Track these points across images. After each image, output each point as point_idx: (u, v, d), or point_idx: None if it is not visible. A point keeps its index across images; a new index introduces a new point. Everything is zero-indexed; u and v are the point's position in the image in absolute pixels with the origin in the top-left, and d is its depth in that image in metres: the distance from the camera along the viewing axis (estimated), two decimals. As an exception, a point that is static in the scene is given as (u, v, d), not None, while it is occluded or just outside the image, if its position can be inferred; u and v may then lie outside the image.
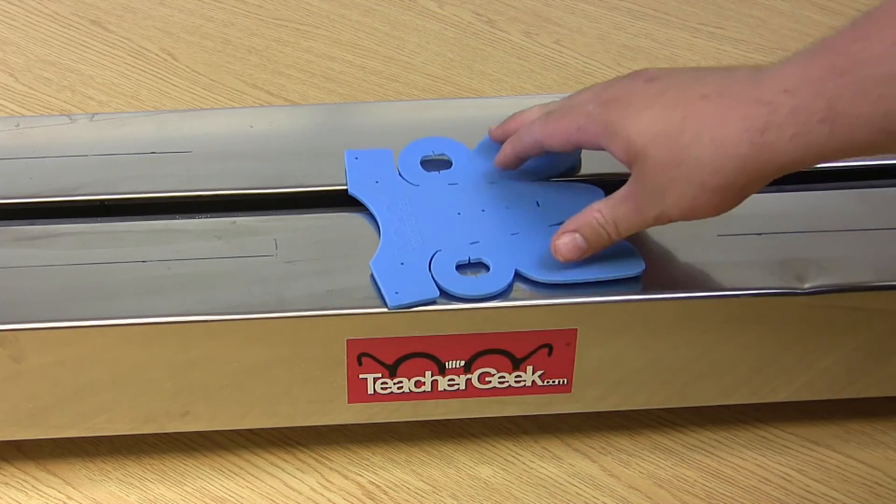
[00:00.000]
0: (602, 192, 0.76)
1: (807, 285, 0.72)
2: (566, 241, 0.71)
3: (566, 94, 0.75)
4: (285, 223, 0.77)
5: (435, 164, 0.80)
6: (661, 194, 0.66)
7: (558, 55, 1.15)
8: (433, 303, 0.71)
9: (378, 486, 0.80)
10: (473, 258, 0.73)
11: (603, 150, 0.69)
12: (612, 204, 0.70)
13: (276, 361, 0.74)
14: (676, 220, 0.68)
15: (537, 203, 0.76)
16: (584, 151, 0.78)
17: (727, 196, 0.65)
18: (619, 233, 0.70)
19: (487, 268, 0.73)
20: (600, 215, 0.70)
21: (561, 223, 0.72)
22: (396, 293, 0.71)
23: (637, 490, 0.80)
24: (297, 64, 1.13)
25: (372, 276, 0.72)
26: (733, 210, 0.78)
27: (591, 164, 0.79)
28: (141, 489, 0.79)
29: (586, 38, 1.18)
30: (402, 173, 0.79)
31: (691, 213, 0.66)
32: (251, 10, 1.20)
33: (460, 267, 0.73)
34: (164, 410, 0.76)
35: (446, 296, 0.71)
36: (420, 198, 0.77)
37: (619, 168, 0.69)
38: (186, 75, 1.11)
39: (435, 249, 0.74)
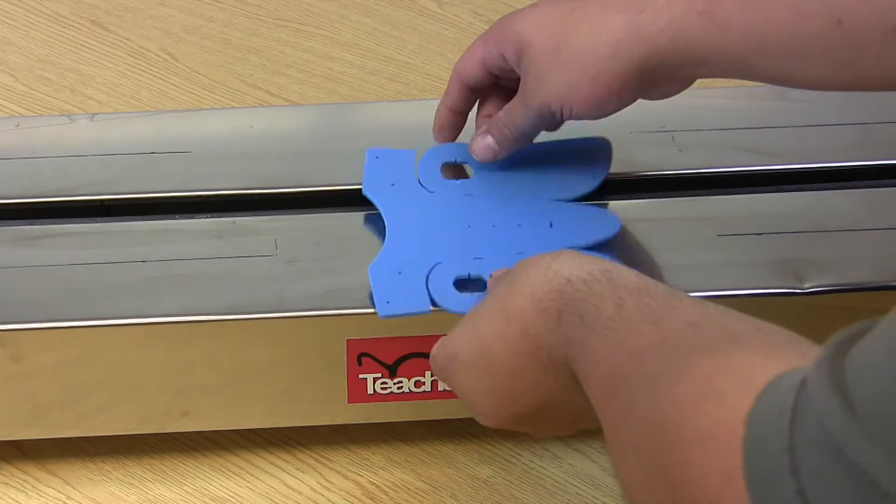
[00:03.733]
0: (618, 220, 0.75)
1: (807, 285, 0.72)
2: (479, 144, 0.75)
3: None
4: (285, 223, 0.77)
5: (458, 170, 0.79)
6: (541, 83, 0.68)
7: (558, 55, 1.15)
8: (424, 315, 0.70)
9: (378, 486, 0.80)
10: (474, 274, 0.72)
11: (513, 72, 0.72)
12: (510, 103, 0.73)
13: (276, 361, 0.74)
14: (561, 116, 0.69)
15: (550, 224, 0.75)
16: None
17: (604, 86, 0.66)
18: (517, 128, 0.73)
19: (486, 286, 0.71)
20: (502, 114, 0.74)
21: (571, 247, 0.70)
22: (388, 303, 0.70)
23: (637, 490, 0.80)
24: (297, 64, 1.13)
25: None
26: (733, 210, 0.78)
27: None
28: (141, 489, 0.79)
29: (586, 38, 1.17)
30: (420, 178, 0.78)
31: (570, 104, 0.68)
32: (251, 10, 1.20)
33: (459, 282, 0.72)
34: (164, 410, 0.76)
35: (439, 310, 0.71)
36: (433, 205, 0.76)
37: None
38: (186, 75, 1.11)
39: (436, 261, 0.73)
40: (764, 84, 0.70)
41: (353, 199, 0.79)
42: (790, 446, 0.39)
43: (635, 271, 0.56)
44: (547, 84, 0.68)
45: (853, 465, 0.37)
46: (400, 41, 1.16)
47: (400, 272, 0.72)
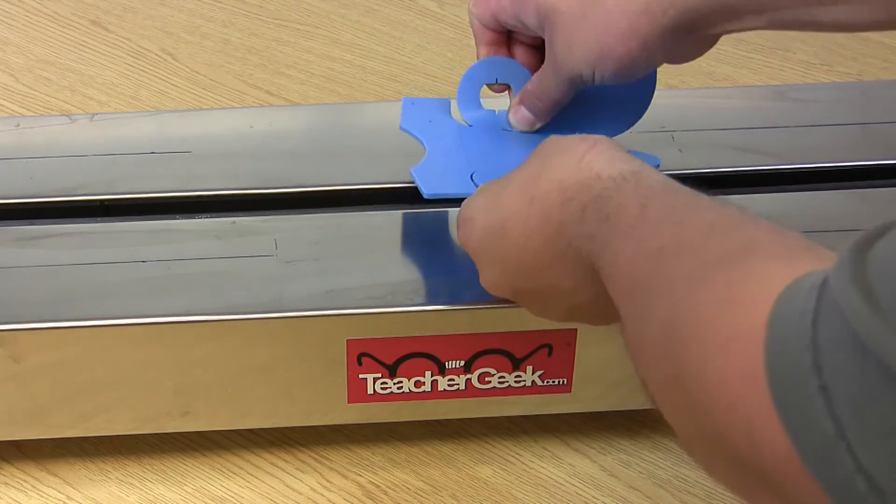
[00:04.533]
0: (658, 159, 0.76)
1: (807, 285, 0.72)
2: (517, 116, 0.75)
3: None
4: (285, 223, 0.77)
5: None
6: (571, 48, 0.68)
7: (558, 55, 1.15)
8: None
9: (378, 486, 0.80)
10: None
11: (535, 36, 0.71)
12: (539, 72, 0.73)
13: (276, 361, 0.74)
14: (592, 80, 0.69)
15: None
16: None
17: (638, 44, 0.66)
18: (551, 98, 0.73)
19: None
20: (532, 85, 0.74)
21: None
22: (432, 183, 0.72)
23: (637, 490, 0.80)
24: (297, 64, 1.13)
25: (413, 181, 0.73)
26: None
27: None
28: (141, 489, 0.79)
29: (586, 38, 1.17)
30: (459, 99, 0.78)
31: (603, 67, 0.67)
32: (251, 10, 1.20)
33: None
34: (164, 410, 0.76)
35: None
36: (470, 137, 0.77)
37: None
38: (186, 75, 1.11)
39: (477, 168, 0.74)
40: (763, 84, 0.70)
41: (353, 199, 0.79)
42: (812, 344, 0.40)
43: (663, 175, 0.57)
44: (577, 49, 0.68)
45: (877, 359, 0.37)
46: (400, 41, 1.16)
47: (444, 172, 0.73)
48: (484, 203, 0.64)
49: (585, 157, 0.58)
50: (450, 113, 0.79)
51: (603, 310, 0.58)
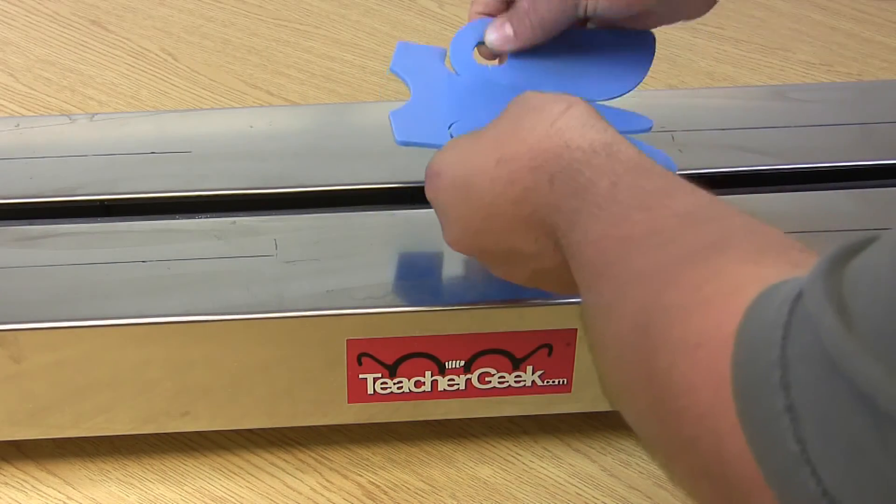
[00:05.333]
0: (650, 121, 0.73)
1: (807, 285, 0.72)
2: (495, 33, 0.71)
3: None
4: (285, 223, 0.77)
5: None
6: None
7: (558, 55, 1.15)
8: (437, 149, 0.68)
9: (378, 486, 0.80)
10: None
11: None
12: None
13: (276, 361, 0.74)
14: (586, 9, 0.67)
15: None
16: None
17: None
18: (538, 15, 0.69)
19: None
20: (525, 2, 0.70)
21: None
22: (407, 130, 0.69)
23: (637, 490, 0.80)
24: (297, 64, 1.13)
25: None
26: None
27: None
28: (141, 489, 0.79)
29: (586, 38, 1.18)
30: (451, 56, 0.74)
31: None
32: (251, 10, 1.20)
33: None
34: (164, 410, 0.76)
35: None
36: (459, 87, 0.74)
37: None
38: (186, 75, 1.11)
39: (459, 119, 0.71)
40: (763, 84, 0.70)
41: (353, 199, 0.79)
42: (781, 361, 0.38)
43: (637, 148, 0.55)
44: None
45: (847, 380, 0.36)
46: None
47: (422, 118, 0.71)
48: (453, 157, 0.62)
49: (558, 122, 0.57)
50: (443, 61, 0.76)
51: (566, 280, 0.57)
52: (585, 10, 0.67)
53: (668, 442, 0.45)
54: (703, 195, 0.51)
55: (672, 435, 0.44)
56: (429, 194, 0.64)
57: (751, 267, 0.44)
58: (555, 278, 0.60)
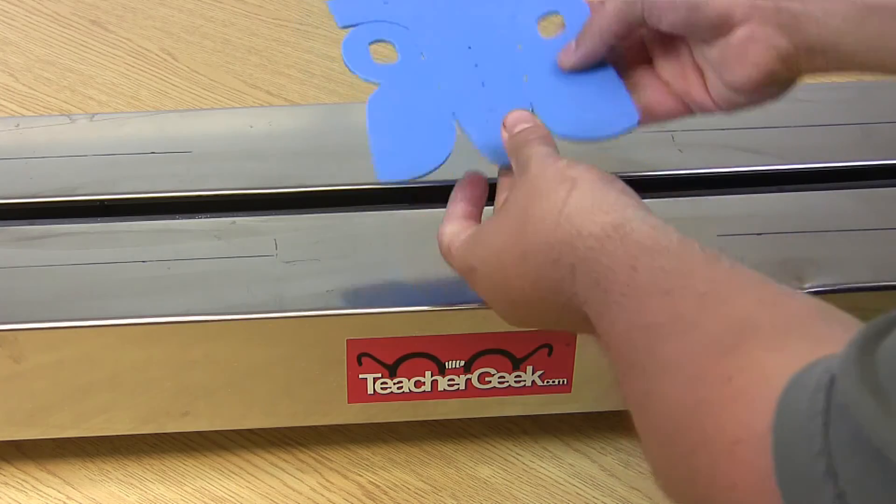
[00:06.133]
0: (636, 114, 0.67)
1: (807, 285, 0.72)
2: (565, 47, 0.68)
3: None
4: (285, 223, 0.77)
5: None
6: None
7: (558, 55, 1.15)
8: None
9: (378, 486, 0.80)
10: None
11: None
12: None
13: (276, 361, 0.73)
14: (643, 14, 0.63)
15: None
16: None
17: None
18: (598, 22, 0.66)
19: None
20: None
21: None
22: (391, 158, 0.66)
23: (637, 490, 0.80)
24: (297, 64, 1.13)
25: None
26: (733, 210, 0.78)
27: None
28: (141, 489, 0.79)
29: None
30: (347, 63, 0.70)
31: None
32: (251, 10, 1.20)
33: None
34: (164, 410, 0.76)
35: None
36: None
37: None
38: (186, 75, 1.11)
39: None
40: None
41: (353, 199, 0.79)
42: (825, 450, 0.38)
43: (650, 220, 0.54)
44: None
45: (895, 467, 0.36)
46: (400, 41, 1.16)
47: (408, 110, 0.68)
48: (480, 252, 0.61)
49: (565, 210, 0.56)
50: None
51: None
52: (643, 9, 0.63)
53: None
54: (720, 268, 0.50)
55: None
56: (468, 282, 0.64)
57: (776, 354, 0.44)
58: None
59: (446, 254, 0.65)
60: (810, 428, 0.39)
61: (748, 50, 0.61)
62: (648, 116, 0.67)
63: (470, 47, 0.70)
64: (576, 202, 0.56)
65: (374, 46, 0.70)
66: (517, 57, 0.69)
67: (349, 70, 0.69)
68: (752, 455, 0.41)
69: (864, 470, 0.37)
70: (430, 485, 0.80)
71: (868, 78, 1.14)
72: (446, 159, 0.65)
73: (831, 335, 0.41)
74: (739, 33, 0.61)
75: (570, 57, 0.68)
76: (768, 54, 0.61)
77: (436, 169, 0.66)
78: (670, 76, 0.66)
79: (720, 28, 0.61)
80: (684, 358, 0.47)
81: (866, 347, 0.38)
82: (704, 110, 0.66)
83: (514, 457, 0.82)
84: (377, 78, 0.69)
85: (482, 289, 0.63)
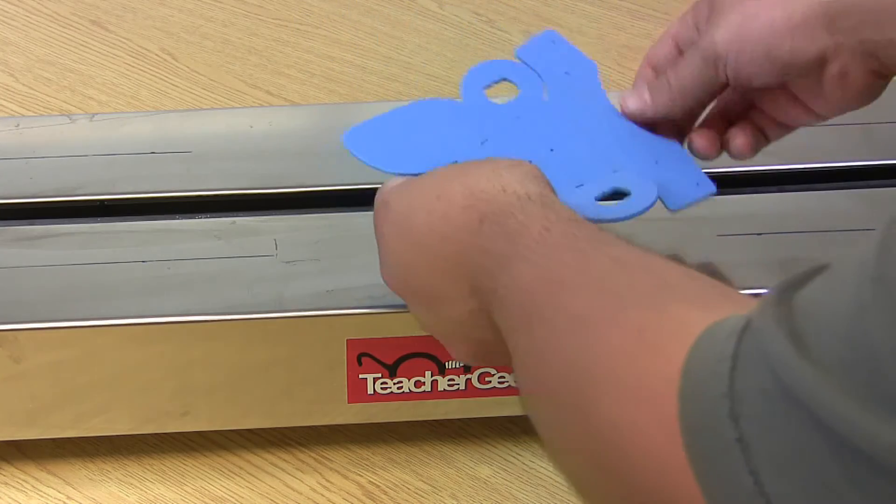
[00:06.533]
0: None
1: (807, 285, 0.72)
2: (631, 94, 0.67)
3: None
4: (285, 223, 0.77)
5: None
6: (717, 22, 0.62)
7: (558, 55, 1.15)
8: None
9: (378, 486, 0.80)
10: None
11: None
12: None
13: (276, 361, 0.73)
14: (726, 68, 0.62)
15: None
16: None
17: (783, 17, 0.60)
18: (678, 76, 0.65)
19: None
20: (669, 67, 0.66)
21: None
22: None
23: (637, 490, 0.80)
24: (297, 64, 1.13)
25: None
26: (733, 210, 0.78)
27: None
28: (141, 489, 0.79)
29: (586, 38, 1.18)
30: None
31: (739, 44, 0.61)
32: (251, 10, 1.20)
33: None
34: (164, 410, 0.76)
35: None
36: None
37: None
38: (186, 75, 1.11)
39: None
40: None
41: (353, 199, 0.79)
42: (731, 392, 0.37)
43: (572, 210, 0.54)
44: (721, 22, 0.61)
45: (807, 410, 0.35)
46: (400, 41, 1.16)
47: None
48: (403, 189, 0.61)
49: (502, 171, 0.56)
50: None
51: (477, 337, 0.57)
52: (725, 71, 0.62)
53: (605, 485, 0.44)
54: (640, 248, 0.50)
55: (615, 480, 0.43)
56: (375, 223, 0.63)
57: (696, 307, 0.43)
58: (470, 335, 0.58)
59: (377, 197, 0.63)
60: (718, 370, 0.38)
61: (845, 80, 0.62)
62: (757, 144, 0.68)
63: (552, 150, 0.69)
64: (515, 170, 0.56)
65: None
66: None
67: None
68: (658, 399, 0.40)
69: (771, 414, 0.36)
70: (430, 485, 0.80)
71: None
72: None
73: (752, 304, 0.40)
74: (832, 69, 0.62)
75: (642, 106, 0.67)
76: (864, 77, 0.62)
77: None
78: (765, 107, 0.67)
79: (812, 71, 0.62)
80: (596, 311, 0.46)
81: (783, 297, 0.38)
82: (808, 125, 0.68)
83: (514, 457, 0.82)
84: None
85: (384, 224, 0.61)
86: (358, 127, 0.69)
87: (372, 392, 0.75)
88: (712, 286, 0.46)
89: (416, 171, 0.63)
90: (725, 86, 0.64)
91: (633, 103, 0.67)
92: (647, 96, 0.66)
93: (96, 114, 0.86)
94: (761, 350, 0.37)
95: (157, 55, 1.14)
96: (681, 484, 0.39)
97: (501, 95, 0.70)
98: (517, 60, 0.71)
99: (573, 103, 0.69)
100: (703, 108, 0.68)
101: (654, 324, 0.43)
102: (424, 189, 0.59)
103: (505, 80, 0.71)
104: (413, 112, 0.70)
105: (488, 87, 0.71)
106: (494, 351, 0.55)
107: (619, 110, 0.68)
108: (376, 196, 0.63)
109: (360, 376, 0.74)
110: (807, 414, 0.35)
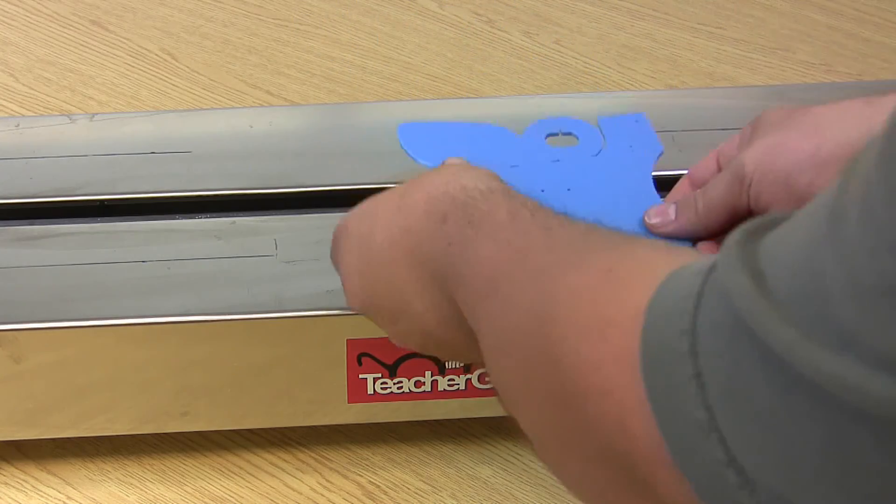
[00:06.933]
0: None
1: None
2: (657, 207, 0.69)
3: (565, 94, 0.75)
4: (285, 223, 0.77)
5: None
6: (751, 143, 0.64)
7: (558, 55, 1.15)
8: None
9: (378, 486, 0.80)
10: None
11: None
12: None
13: (276, 361, 0.73)
14: (750, 187, 0.63)
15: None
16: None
17: (812, 144, 0.62)
18: (706, 192, 0.67)
19: None
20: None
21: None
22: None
23: (637, 490, 0.80)
24: (297, 64, 1.13)
25: None
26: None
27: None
28: (141, 489, 0.79)
29: (586, 37, 1.18)
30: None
31: (767, 165, 0.63)
32: (251, 10, 1.20)
33: None
34: (164, 410, 0.76)
35: None
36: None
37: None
38: (186, 75, 1.11)
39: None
40: (763, 84, 0.69)
41: (353, 199, 0.79)
42: (691, 329, 0.38)
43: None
44: (756, 143, 0.63)
45: (759, 343, 0.35)
46: (400, 41, 1.16)
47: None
48: (359, 211, 0.62)
49: (460, 173, 0.57)
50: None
51: (453, 345, 0.57)
52: (748, 192, 0.64)
53: (566, 429, 0.44)
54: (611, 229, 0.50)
55: (573, 419, 0.43)
56: (334, 252, 0.64)
57: (663, 254, 0.44)
58: (446, 342, 0.58)
59: (336, 230, 0.64)
60: (681, 307, 0.38)
61: None
62: None
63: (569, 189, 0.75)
64: (472, 172, 0.57)
65: None
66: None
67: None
68: (621, 335, 0.40)
69: (727, 348, 0.37)
70: (430, 485, 0.80)
71: (868, 78, 1.15)
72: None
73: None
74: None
75: (664, 220, 0.68)
76: None
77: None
78: None
79: None
80: (561, 261, 0.47)
81: (748, 239, 0.38)
82: None
83: (514, 457, 0.82)
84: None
85: (345, 250, 0.62)
86: (415, 124, 0.78)
87: (372, 392, 0.75)
88: (681, 246, 0.47)
89: None
90: (749, 212, 0.64)
91: (656, 216, 0.69)
92: (671, 211, 0.68)
93: (96, 114, 0.86)
94: (722, 286, 0.37)
95: (157, 55, 1.14)
96: (636, 417, 0.39)
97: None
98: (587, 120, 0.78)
99: (617, 170, 0.75)
100: (724, 234, 0.69)
101: (621, 264, 0.44)
102: (383, 204, 0.60)
103: (571, 134, 0.78)
104: (470, 128, 0.77)
105: (552, 135, 0.78)
106: (471, 355, 0.55)
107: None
108: (335, 231, 0.64)
109: (360, 376, 0.74)
110: (756, 344, 0.35)
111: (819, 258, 0.34)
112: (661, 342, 0.39)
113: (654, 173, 0.78)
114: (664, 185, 0.80)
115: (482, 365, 0.52)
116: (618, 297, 0.42)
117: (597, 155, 0.76)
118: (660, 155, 0.77)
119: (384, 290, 0.59)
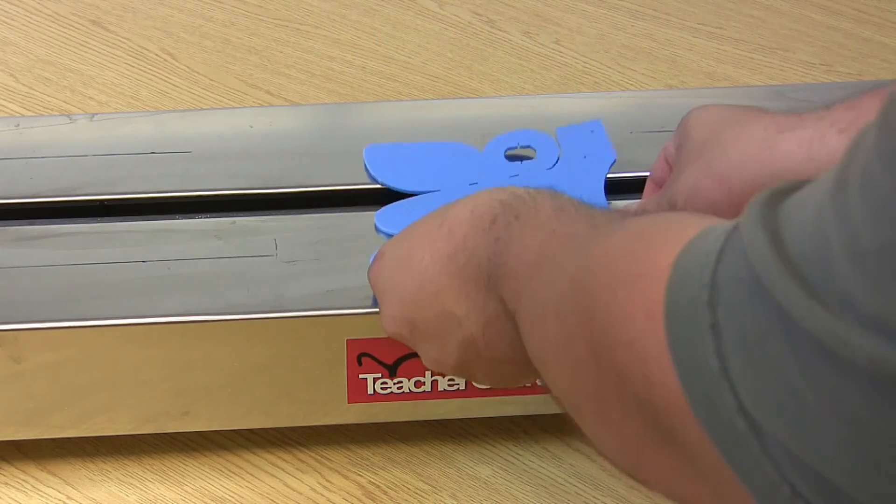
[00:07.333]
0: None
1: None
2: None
3: (565, 94, 0.75)
4: (285, 223, 0.77)
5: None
6: (678, 176, 0.67)
7: (558, 55, 1.15)
8: None
9: (378, 486, 0.80)
10: None
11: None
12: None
13: (276, 361, 0.73)
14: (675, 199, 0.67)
15: None
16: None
17: (722, 191, 0.65)
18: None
19: None
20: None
21: None
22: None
23: (637, 490, 0.80)
24: (297, 64, 1.13)
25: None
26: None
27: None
28: (141, 489, 0.79)
29: (586, 38, 1.18)
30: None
31: (692, 205, 0.66)
32: (251, 10, 1.20)
33: None
34: (164, 410, 0.76)
35: None
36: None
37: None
38: (186, 75, 1.11)
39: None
40: (763, 84, 0.69)
41: (353, 199, 0.79)
42: (712, 282, 0.40)
43: None
44: (682, 177, 0.67)
45: (771, 299, 0.37)
46: (400, 41, 1.16)
47: None
48: (397, 238, 0.64)
49: (497, 189, 0.59)
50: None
51: (493, 356, 0.58)
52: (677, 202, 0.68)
53: (599, 384, 0.46)
54: None
55: (604, 375, 0.45)
56: (371, 277, 0.66)
57: (694, 217, 0.46)
58: (483, 354, 0.59)
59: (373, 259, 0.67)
60: (705, 262, 0.40)
61: None
62: None
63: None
64: (508, 187, 0.59)
65: None
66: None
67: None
68: (649, 287, 0.42)
69: (742, 302, 0.39)
70: (430, 485, 0.80)
71: (868, 78, 1.15)
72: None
73: None
74: None
75: None
76: None
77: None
78: None
79: None
80: (602, 233, 0.49)
81: (771, 202, 0.40)
82: None
83: (514, 457, 0.82)
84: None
85: (382, 274, 0.64)
86: (381, 145, 0.80)
87: (372, 392, 0.75)
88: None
89: (406, 189, 0.77)
90: None
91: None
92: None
93: (96, 114, 0.86)
94: (742, 244, 0.39)
95: (157, 55, 1.14)
96: (658, 368, 0.41)
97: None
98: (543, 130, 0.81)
99: (571, 179, 0.78)
100: None
101: (654, 226, 0.47)
102: (424, 225, 0.61)
103: (529, 147, 0.80)
104: (433, 148, 0.79)
105: (511, 149, 0.80)
106: (510, 368, 0.58)
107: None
108: (373, 258, 0.66)
109: (360, 376, 0.74)
110: (767, 300, 0.37)
111: (825, 222, 0.37)
112: (684, 294, 0.41)
113: (608, 176, 0.79)
114: (621, 188, 0.80)
115: (520, 379, 0.53)
116: (649, 255, 0.44)
117: (552, 167, 0.79)
118: (613, 163, 0.79)
119: (423, 304, 0.60)
